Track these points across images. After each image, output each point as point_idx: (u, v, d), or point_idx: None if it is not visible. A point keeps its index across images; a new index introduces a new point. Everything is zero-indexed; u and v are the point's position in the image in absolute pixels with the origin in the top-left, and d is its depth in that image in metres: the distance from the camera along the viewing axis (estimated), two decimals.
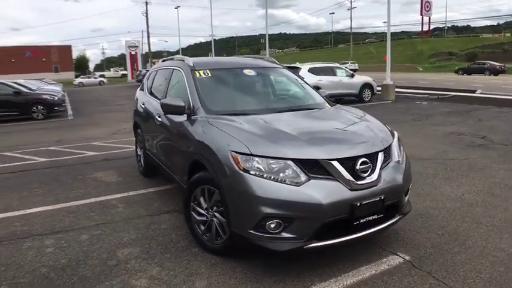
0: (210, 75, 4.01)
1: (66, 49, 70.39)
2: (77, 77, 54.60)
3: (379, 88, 16.11)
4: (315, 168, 2.73)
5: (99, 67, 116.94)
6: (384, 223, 2.95)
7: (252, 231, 2.70)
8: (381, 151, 2.98)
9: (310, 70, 13.86)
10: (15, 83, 15.17)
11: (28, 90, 14.72)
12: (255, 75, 4.20)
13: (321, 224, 2.65)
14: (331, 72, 14.59)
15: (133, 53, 52.45)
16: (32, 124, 13.12)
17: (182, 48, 61.96)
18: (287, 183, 2.66)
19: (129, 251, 3.35)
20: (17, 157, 7.48)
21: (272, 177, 2.67)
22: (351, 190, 2.72)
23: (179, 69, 4.25)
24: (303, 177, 2.69)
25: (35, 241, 3.62)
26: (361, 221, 2.79)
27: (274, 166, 2.70)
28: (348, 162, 2.79)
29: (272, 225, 2.66)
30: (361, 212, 2.76)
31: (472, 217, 3.81)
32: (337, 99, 14.86)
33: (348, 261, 3.03)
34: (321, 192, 2.65)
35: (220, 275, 2.91)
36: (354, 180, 2.76)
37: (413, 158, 6.04)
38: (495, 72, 35.45)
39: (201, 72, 4.00)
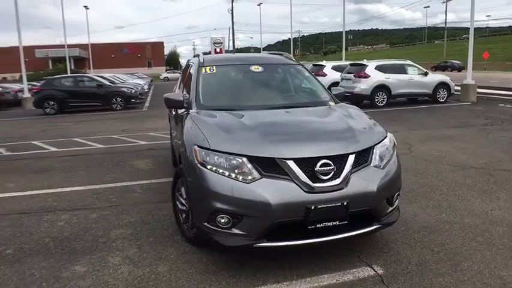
0: (214, 71, 4.13)
1: (159, 45, 76.47)
2: (168, 71, 59.06)
3: (458, 88, 14.64)
4: (271, 167, 2.68)
5: None
6: (352, 231, 2.77)
7: (205, 223, 2.77)
8: (352, 154, 2.80)
9: (378, 68, 13.15)
10: (101, 76, 17.11)
11: (110, 84, 16.49)
12: (261, 71, 4.20)
13: (270, 224, 2.60)
14: (401, 70, 13.64)
15: (218, 49, 55.07)
16: (110, 114, 14.69)
17: (270, 45, 63.16)
18: (238, 180, 2.67)
19: (121, 231, 3.66)
20: (81, 143, 8.51)
21: (225, 173, 2.70)
22: (307, 192, 2.62)
23: (193, 64, 4.47)
24: (256, 175, 2.67)
25: (54, 215, 4.13)
26: (318, 225, 2.66)
27: (228, 162, 2.72)
28: (307, 163, 2.69)
29: (222, 220, 2.69)
30: (317, 217, 2.63)
31: (486, 237, 3.35)
32: (410, 99, 14.02)
33: (316, 266, 2.91)
34: (271, 191, 2.60)
35: (185, 263, 3.03)
36: (310, 182, 2.64)
37: (458, 166, 5.55)
38: None
39: (207, 68, 4.14)
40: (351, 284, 2.70)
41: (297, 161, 2.68)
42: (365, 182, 2.76)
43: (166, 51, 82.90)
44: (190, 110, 3.63)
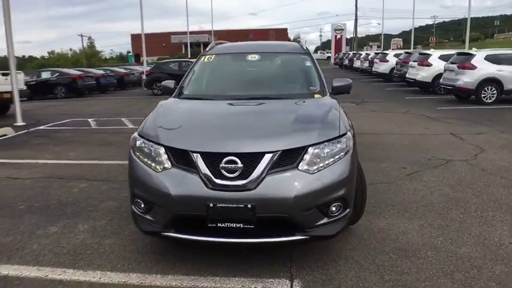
0: (212, 60, 4.14)
1: (283, 32, 77.89)
2: None
3: None
4: (182, 158, 2.63)
5: (317, 49, 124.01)
6: (263, 238, 2.55)
7: (131, 206, 2.89)
8: (269, 153, 2.54)
9: (489, 58, 11.03)
10: None
11: None
12: (257, 60, 4.05)
13: (172, 214, 2.58)
14: None
15: (338, 36, 53.43)
16: None
17: (404, 31, 58.51)
18: (151, 168, 2.69)
19: (110, 204, 4.05)
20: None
21: (144, 160, 2.75)
22: (208, 188, 2.50)
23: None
24: (167, 164, 2.65)
25: (77, 182, 4.79)
26: (220, 225, 2.52)
27: (149, 149, 2.77)
28: (213, 159, 2.54)
29: (140, 205, 2.77)
30: (217, 215, 2.49)
31: (469, 276, 2.67)
32: None
33: (236, 267, 2.76)
34: (175, 183, 2.56)
35: (129, 240, 3.23)
36: (213, 178, 2.50)
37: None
38: None
39: (207, 57, 4.18)
40: None
41: (204, 155, 2.56)
42: (281, 186, 2.48)
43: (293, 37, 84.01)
44: (169, 98, 3.76)
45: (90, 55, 55.32)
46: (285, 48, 4.44)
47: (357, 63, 26.71)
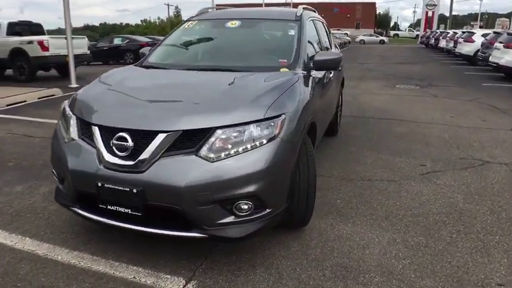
0: (192, 26, 3.78)
1: (370, 6, 72.65)
2: (381, 34, 56.09)
3: None
4: (87, 130, 2.37)
5: (410, 26, 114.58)
6: (152, 228, 2.19)
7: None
8: (163, 132, 2.10)
9: None
10: None
11: None
12: (236, 27, 3.51)
13: (73, 189, 2.36)
14: None
15: (430, 12, 48.30)
16: None
17: None
18: (61, 138, 2.50)
19: None
20: None
21: (61, 129, 2.57)
22: (100, 166, 2.20)
23: None
24: (75, 135, 2.42)
25: None
26: (109, 207, 2.21)
27: (67, 118, 2.57)
28: (109, 133, 2.23)
29: (55, 177, 2.62)
30: (106, 196, 2.20)
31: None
32: None
33: (142, 257, 2.45)
34: (74, 156, 2.34)
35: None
36: (106, 155, 2.19)
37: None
38: None
39: (190, 23, 3.83)
40: (137, 287, 2.18)
41: (101, 128, 2.27)
42: (172, 173, 2.06)
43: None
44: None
45: (175, 24, 57.79)
46: (275, 14, 3.88)
47: (442, 43, 23.71)
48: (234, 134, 2.12)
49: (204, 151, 2.08)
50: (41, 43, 11.09)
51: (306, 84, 2.88)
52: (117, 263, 2.42)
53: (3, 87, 9.41)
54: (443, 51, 23.71)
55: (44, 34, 12.33)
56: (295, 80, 2.68)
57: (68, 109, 2.63)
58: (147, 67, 3.31)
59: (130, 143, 2.13)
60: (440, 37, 25.49)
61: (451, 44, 20.42)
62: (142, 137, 2.14)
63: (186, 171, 2.05)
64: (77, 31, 42.67)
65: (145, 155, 2.10)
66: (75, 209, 2.43)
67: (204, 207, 2.07)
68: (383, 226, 2.88)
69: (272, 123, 2.19)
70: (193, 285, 2.20)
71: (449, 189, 3.57)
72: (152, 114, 2.25)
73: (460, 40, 17.73)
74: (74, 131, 2.45)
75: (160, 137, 2.10)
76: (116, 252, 2.54)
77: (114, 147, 2.18)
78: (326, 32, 4.88)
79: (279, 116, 2.24)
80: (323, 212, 3.09)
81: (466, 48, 16.77)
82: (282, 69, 2.93)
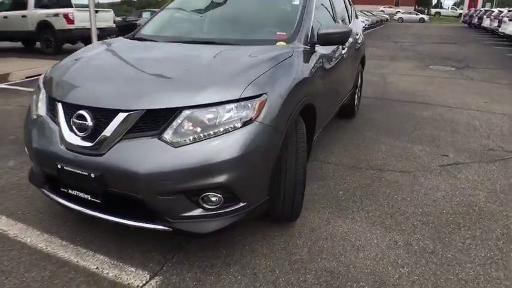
0: None
1: None
2: (421, 12, 53.16)
3: None
4: (53, 106, 2.15)
5: (455, 4, 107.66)
6: (112, 216, 1.98)
7: None
8: (124, 112, 1.84)
9: None
10: None
11: None
12: None
13: (39, 168, 2.18)
14: None
15: None
16: None
17: None
18: (31, 114, 2.32)
19: None
20: None
21: (33, 104, 2.37)
22: (62, 146, 1.99)
23: None
24: (42, 111, 2.22)
25: None
26: (70, 191, 2.02)
27: (36, 93, 2.37)
28: (71, 110, 2.01)
29: (27, 152, 2.44)
30: (65, 179, 2.01)
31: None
32: None
33: (111, 247, 2.26)
34: (38, 133, 2.16)
35: None
36: (64, 134, 1.99)
37: None
38: None
39: None
40: (96, 279, 1.98)
41: (64, 105, 2.06)
42: (132, 157, 1.81)
43: None
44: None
45: None
46: None
47: (486, 22, 21.95)
48: (204, 116, 1.83)
49: (167, 134, 1.81)
50: (66, 16, 11.09)
51: (306, 60, 2.52)
52: (85, 250, 2.25)
53: (28, 59, 9.51)
54: (487, 31, 22.03)
55: (72, 7, 12.33)
56: (288, 55, 2.32)
57: (41, 83, 2.43)
58: (137, 39, 3.05)
59: (89, 122, 1.90)
60: (484, 16, 23.63)
61: (495, 24, 18.86)
62: (103, 116, 1.90)
63: (145, 156, 1.80)
64: (114, 6, 42.94)
65: (103, 136, 1.87)
66: (44, 190, 2.25)
67: (166, 197, 1.82)
68: (386, 225, 2.53)
69: (249, 104, 1.88)
70: (156, 282, 1.98)
71: (471, 184, 3.14)
72: (115, 91, 1.99)
73: (505, 19, 16.25)
74: (42, 107, 2.25)
75: (121, 117, 1.85)
76: (87, 237, 2.36)
77: (74, 127, 1.96)
78: (345, 3, 4.41)
79: (259, 95, 1.92)
80: (321, 204, 2.78)
81: (510, 28, 15.37)
82: (278, 43, 2.57)
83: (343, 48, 3.53)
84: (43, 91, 2.30)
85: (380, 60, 10.68)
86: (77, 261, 2.15)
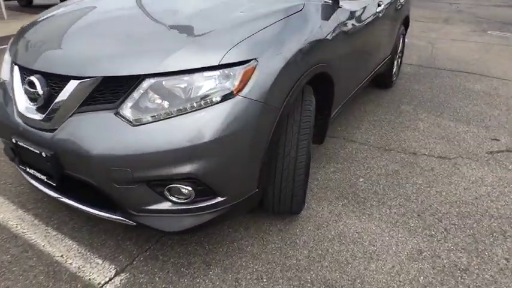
0: None
1: None
2: None
3: None
4: (12, 69, 1.82)
5: None
6: (69, 199, 1.68)
7: None
8: (76, 79, 1.46)
9: None
10: None
11: None
12: None
13: (3, 140, 1.89)
14: None
15: None
16: None
17: None
18: None
19: None
20: None
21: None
22: (17, 117, 1.67)
23: None
24: (5, 75, 1.89)
25: None
26: (28, 169, 1.73)
27: (7, 55, 2.01)
28: (25, 76, 1.67)
29: None
30: (21, 155, 1.72)
31: None
32: None
33: (87, 234, 1.99)
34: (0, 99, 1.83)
35: None
36: (17, 103, 1.67)
37: None
38: None
39: None
40: (57, 270, 1.72)
41: (20, 69, 1.72)
42: (84, 135, 1.45)
43: None
44: None
45: None
46: None
47: None
48: (172, 87, 1.42)
49: (125, 109, 1.43)
50: None
51: (323, 17, 2.00)
52: (55, 232, 1.99)
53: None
54: None
55: None
56: (297, 10, 1.82)
57: (8, 45, 2.10)
58: None
59: (39, 90, 1.54)
60: None
61: None
62: (56, 85, 1.54)
63: (99, 135, 1.43)
64: None
65: (54, 107, 1.52)
66: (16, 164, 1.98)
67: (125, 186, 1.46)
68: (411, 227, 2.07)
69: (232, 73, 1.43)
70: (121, 281, 1.69)
71: None
72: (70, 55, 1.59)
73: None
74: (5, 70, 1.92)
75: (73, 85, 1.48)
76: (62, 217, 2.11)
77: (25, 94, 1.63)
78: None
79: (246, 62, 1.46)
80: (334, 193, 2.35)
81: None
82: None
83: (378, 5, 2.92)
84: (8, 52, 1.98)
85: (429, 22, 9.55)
86: (43, 246, 1.90)
